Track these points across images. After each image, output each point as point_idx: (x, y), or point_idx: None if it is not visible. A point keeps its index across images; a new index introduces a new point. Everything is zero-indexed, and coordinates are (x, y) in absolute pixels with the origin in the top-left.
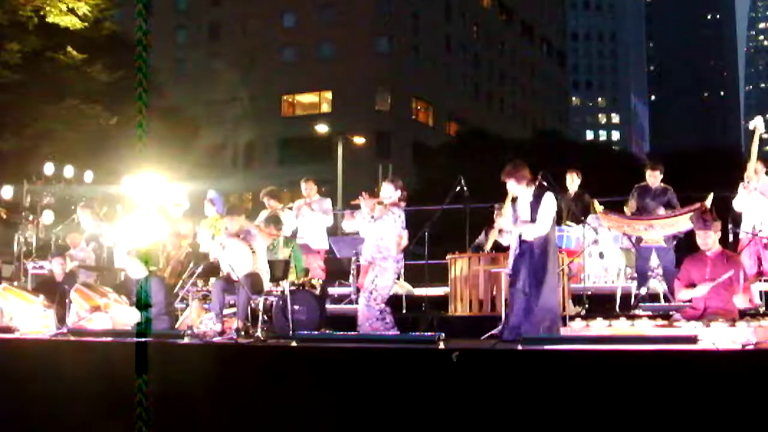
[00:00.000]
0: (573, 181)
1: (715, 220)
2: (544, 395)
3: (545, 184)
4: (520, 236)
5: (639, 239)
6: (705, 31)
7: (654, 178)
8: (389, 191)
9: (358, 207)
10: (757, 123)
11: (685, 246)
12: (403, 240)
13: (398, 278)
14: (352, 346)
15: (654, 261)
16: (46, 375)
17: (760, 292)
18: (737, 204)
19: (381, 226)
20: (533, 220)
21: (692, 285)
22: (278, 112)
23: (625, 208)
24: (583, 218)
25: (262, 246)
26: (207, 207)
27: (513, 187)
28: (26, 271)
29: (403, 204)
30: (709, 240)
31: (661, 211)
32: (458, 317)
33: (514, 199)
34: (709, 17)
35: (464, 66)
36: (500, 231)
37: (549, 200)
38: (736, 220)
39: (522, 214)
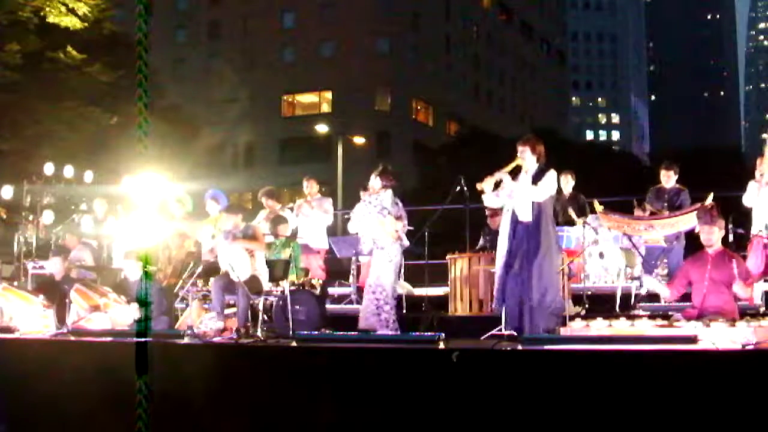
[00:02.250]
0: (567, 183)
1: (721, 217)
2: (544, 395)
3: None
4: (514, 217)
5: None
6: (705, 31)
7: (667, 178)
8: (375, 183)
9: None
10: None
11: (686, 245)
12: (388, 225)
13: (399, 270)
14: (352, 346)
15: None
16: (46, 375)
17: (764, 292)
18: (747, 200)
19: (358, 217)
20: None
21: (688, 285)
22: (278, 112)
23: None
24: (583, 219)
25: (262, 246)
26: (210, 205)
27: (527, 156)
28: (26, 271)
29: (384, 191)
30: (713, 236)
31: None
32: (458, 317)
33: (512, 173)
34: (709, 17)
35: (464, 66)
36: (494, 188)
37: (551, 175)
38: (737, 220)
39: (522, 186)
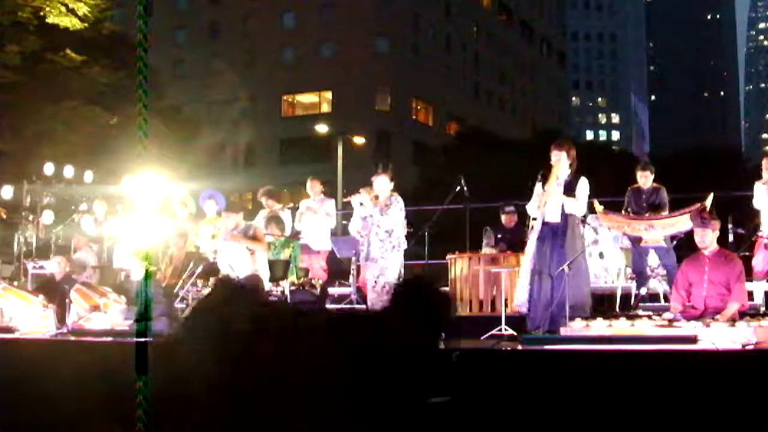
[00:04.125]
0: None
1: (714, 219)
2: (544, 395)
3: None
4: (543, 220)
5: (638, 239)
6: (705, 32)
7: (645, 179)
8: (384, 183)
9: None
10: None
11: (685, 246)
12: (405, 226)
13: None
14: None
15: (654, 261)
16: (46, 375)
17: (765, 292)
18: (757, 202)
19: (391, 216)
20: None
21: (690, 287)
22: (278, 112)
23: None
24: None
25: (263, 246)
26: (208, 205)
27: (563, 161)
28: (26, 271)
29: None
30: (706, 238)
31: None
32: (458, 317)
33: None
34: (709, 17)
35: (464, 66)
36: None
37: (585, 183)
38: (737, 220)
39: (553, 188)
